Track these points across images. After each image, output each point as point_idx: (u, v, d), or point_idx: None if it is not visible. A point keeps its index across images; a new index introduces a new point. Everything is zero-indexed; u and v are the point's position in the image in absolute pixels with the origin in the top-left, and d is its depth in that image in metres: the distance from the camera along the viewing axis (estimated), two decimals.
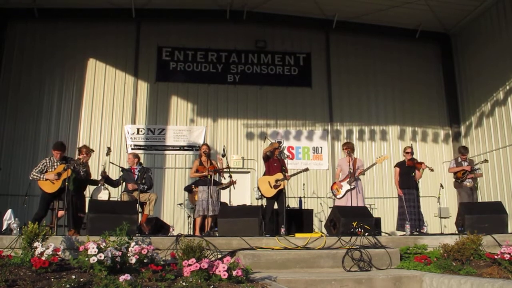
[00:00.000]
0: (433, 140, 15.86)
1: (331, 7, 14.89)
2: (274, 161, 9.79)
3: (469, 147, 15.16)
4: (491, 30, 14.30)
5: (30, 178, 8.20)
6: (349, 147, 10.00)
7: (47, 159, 8.30)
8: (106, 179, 9.60)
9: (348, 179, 9.58)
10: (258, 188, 10.05)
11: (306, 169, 10.25)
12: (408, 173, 9.83)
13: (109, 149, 8.75)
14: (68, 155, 8.95)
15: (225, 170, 9.77)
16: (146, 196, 9.13)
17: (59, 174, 8.04)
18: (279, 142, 10.44)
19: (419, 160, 10.20)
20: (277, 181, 9.47)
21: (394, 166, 10.48)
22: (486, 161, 11.18)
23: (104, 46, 15.06)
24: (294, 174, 9.97)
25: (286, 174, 9.44)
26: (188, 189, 11.58)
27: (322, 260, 5.93)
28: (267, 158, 9.93)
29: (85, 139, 14.26)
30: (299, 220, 10.43)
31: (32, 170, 8.21)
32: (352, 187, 9.53)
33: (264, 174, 9.89)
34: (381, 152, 15.23)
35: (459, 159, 10.58)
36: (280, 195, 9.44)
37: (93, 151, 8.93)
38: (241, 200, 12.18)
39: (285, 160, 9.93)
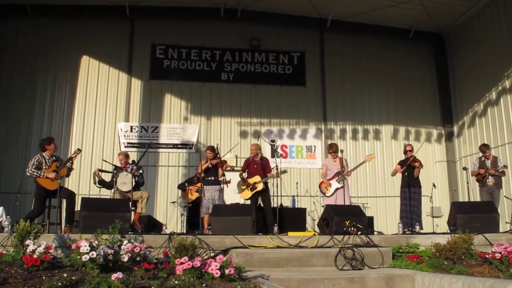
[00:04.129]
0: (426, 140, 15.89)
1: (326, 6, 14.88)
2: (254, 163, 9.86)
3: (461, 147, 15.31)
4: (485, 30, 14.36)
5: (28, 174, 8.08)
6: (331, 149, 10.11)
7: (39, 155, 8.26)
8: (100, 181, 9.55)
9: (337, 178, 9.67)
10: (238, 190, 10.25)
11: (285, 171, 10.30)
12: (404, 171, 9.88)
13: (78, 150, 8.74)
14: (61, 153, 8.93)
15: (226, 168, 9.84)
16: (138, 194, 9.11)
17: (56, 172, 8.04)
18: (273, 141, 10.47)
19: (415, 158, 10.17)
20: (254, 183, 9.63)
21: (397, 164, 10.53)
22: (505, 166, 10.38)
23: (98, 43, 14.98)
24: (271, 176, 9.87)
25: (268, 174, 9.67)
26: (182, 187, 11.57)
27: (315, 259, 5.94)
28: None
29: (78, 137, 14.22)
30: (292, 218, 10.43)
31: (28, 166, 8.09)
32: (341, 185, 9.62)
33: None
34: (375, 152, 15.26)
35: (482, 158, 10.30)
36: (262, 195, 9.63)
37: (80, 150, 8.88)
38: (234, 198, 12.15)
39: (276, 159, 9.93)
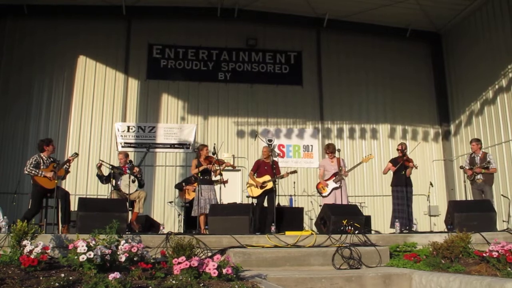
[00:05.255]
0: (423, 139, 15.95)
1: (322, 5, 14.91)
2: (265, 164, 10.01)
3: (458, 146, 15.33)
4: (481, 29, 14.39)
5: (26, 172, 8.05)
6: (329, 149, 10.15)
7: (36, 155, 8.24)
8: (99, 174, 9.50)
9: (334, 178, 9.69)
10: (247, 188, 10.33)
11: (295, 171, 10.53)
12: (399, 170, 9.91)
13: (76, 153, 8.75)
14: (57, 153, 8.91)
15: (224, 167, 9.81)
16: (136, 194, 9.09)
17: (54, 172, 8.03)
18: (270, 141, 10.52)
19: (409, 158, 10.18)
20: (264, 182, 9.78)
21: (389, 161, 10.55)
22: (489, 163, 9.83)
23: (95, 43, 14.97)
24: (281, 177, 10.06)
25: (276, 175, 9.78)
26: (179, 187, 11.56)
27: (312, 258, 5.94)
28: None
29: (75, 137, 14.20)
30: (290, 218, 10.45)
31: (26, 165, 8.05)
32: (338, 185, 9.64)
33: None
34: (372, 151, 15.31)
35: (473, 154, 10.09)
36: (268, 195, 9.78)
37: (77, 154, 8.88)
38: (231, 198, 12.16)
39: (277, 159, 10.04)
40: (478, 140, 10.23)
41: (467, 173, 9.94)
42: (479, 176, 9.76)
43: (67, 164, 8.42)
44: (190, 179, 11.09)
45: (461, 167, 10.37)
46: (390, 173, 10.26)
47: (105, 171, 9.47)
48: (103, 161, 9.58)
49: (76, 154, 8.74)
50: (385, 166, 10.62)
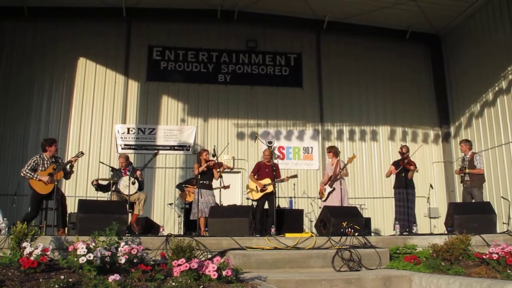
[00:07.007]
0: (423, 141, 15.93)
1: (322, 7, 14.91)
2: (266, 167, 9.98)
3: (458, 148, 15.26)
4: (481, 31, 14.40)
5: (22, 175, 8.04)
6: (331, 151, 10.23)
7: (37, 156, 8.21)
8: (98, 186, 9.53)
9: (329, 182, 9.72)
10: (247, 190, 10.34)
11: (295, 176, 10.55)
12: (399, 172, 9.92)
13: (81, 152, 8.70)
14: (58, 154, 8.87)
15: (224, 169, 9.79)
16: (135, 196, 9.10)
17: (51, 175, 7.99)
18: (270, 143, 10.53)
19: (411, 161, 10.16)
20: (264, 185, 9.79)
21: (391, 164, 10.57)
22: (466, 167, 9.75)
23: (95, 45, 14.96)
24: (281, 180, 10.07)
25: (276, 179, 9.81)
26: (179, 187, 11.56)
27: (312, 260, 5.94)
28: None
29: (75, 139, 14.19)
30: (290, 220, 10.46)
31: (23, 167, 8.06)
32: (332, 189, 9.67)
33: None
34: (372, 153, 15.34)
35: (464, 155, 10.03)
36: (269, 197, 9.79)
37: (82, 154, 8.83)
38: (231, 200, 12.16)
39: (277, 161, 10.03)
40: (467, 141, 10.24)
41: (457, 174, 9.98)
42: (467, 178, 9.76)
43: (69, 165, 8.36)
44: (191, 181, 11.09)
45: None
46: (393, 175, 10.27)
47: (103, 181, 9.50)
48: (99, 180, 9.60)
49: (82, 153, 8.66)
50: (387, 168, 10.65)
